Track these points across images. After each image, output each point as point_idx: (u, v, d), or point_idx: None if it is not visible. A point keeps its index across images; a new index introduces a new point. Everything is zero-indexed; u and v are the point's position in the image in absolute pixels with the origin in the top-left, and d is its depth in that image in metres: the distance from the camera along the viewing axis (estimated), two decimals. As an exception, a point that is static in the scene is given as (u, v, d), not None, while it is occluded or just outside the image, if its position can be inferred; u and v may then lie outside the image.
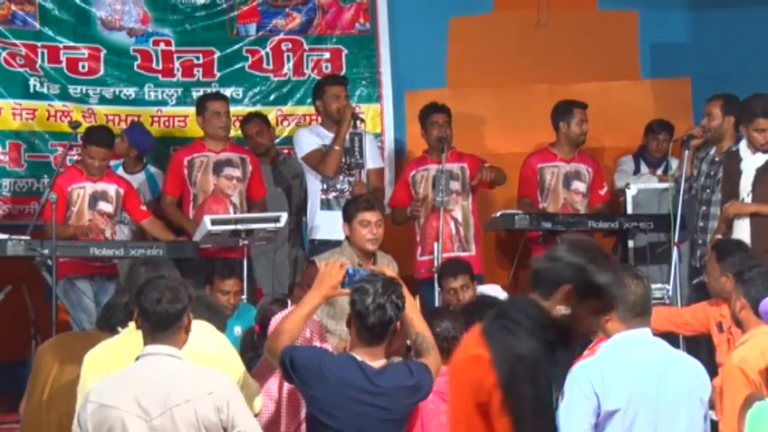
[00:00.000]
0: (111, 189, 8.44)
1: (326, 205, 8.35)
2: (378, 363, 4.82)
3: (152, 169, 9.20)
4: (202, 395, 4.40)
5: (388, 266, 6.86)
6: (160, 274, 4.75)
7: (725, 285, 6.37)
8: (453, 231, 8.68)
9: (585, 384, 4.48)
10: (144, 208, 8.51)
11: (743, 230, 7.51)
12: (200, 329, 4.92)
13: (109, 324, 5.55)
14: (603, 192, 9.06)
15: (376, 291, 4.78)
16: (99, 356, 4.99)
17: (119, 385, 4.47)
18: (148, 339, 4.51)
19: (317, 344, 5.18)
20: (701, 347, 7.03)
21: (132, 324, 4.74)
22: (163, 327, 4.48)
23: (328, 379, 4.73)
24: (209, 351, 4.93)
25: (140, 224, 8.51)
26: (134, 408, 4.38)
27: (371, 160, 8.53)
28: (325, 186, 8.42)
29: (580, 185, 8.95)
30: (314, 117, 8.88)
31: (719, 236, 7.54)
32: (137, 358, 4.51)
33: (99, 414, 4.41)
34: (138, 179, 8.98)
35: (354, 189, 8.16)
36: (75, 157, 8.89)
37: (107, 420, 4.39)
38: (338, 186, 8.39)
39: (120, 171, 8.91)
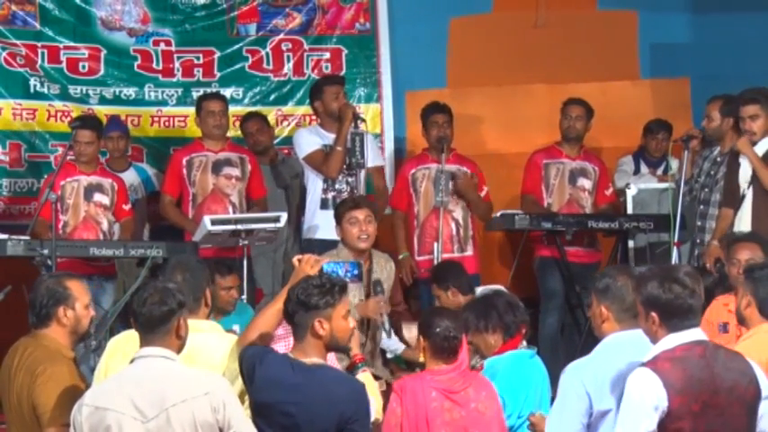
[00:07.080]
0: (107, 182, 8.44)
1: (326, 205, 8.33)
2: (310, 360, 4.67)
3: (145, 167, 9.21)
4: (199, 395, 4.40)
5: (385, 266, 6.91)
6: (169, 277, 4.80)
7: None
8: (453, 232, 8.66)
9: (578, 384, 4.48)
10: (127, 208, 8.51)
11: (744, 222, 7.53)
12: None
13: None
14: (609, 192, 9.05)
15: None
16: (121, 344, 4.99)
17: (114, 387, 4.48)
18: (142, 341, 4.53)
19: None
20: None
21: None
22: (149, 328, 4.50)
23: (258, 377, 4.64)
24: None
25: (118, 222, 8.47)
26: (130, 409, 4.39)
27: (372, 159, 8.50)
28: (325, 186, 8.41)
29: (586, 182, 8.93)
30: (314, 117, 8.87)
31: (716, 242, 7.56)
32: (131, 361, 4.53)
33: (95, 417, 4.42)
34: (125, 178, 8.93)
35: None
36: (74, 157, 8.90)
37: (103, 422, 4.40)
38: (337, 186, 8.38)
39: None
